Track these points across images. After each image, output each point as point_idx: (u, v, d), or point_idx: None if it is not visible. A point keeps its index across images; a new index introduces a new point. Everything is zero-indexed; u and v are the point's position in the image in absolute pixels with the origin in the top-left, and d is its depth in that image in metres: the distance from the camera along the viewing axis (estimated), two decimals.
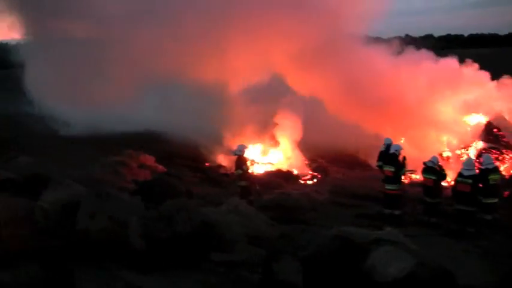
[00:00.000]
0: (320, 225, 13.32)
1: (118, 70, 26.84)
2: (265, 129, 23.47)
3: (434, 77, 22.68)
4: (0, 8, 32.01)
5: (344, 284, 7.14)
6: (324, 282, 7.34)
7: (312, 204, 16.66)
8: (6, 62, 38.80)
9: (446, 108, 22.53)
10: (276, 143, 23.23)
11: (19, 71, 33.07)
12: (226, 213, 10.82)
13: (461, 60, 23.88)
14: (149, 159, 21.77)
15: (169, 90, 29.05)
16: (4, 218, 8.94)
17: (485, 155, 16.13)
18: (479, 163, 16.06)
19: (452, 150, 21.80)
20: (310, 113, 22.88)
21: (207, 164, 23.91)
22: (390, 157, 15.64)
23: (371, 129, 21.97)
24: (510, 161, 21.31)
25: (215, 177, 21.78)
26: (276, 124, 22.80)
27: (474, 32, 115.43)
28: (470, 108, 22.76)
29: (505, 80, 23.39)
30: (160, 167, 21.60)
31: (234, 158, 17.33)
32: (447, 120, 22.38)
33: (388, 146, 16.43)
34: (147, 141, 25.66)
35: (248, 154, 18.52)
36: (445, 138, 22.27)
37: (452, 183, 15.25)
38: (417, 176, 19.12)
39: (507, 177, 19.22)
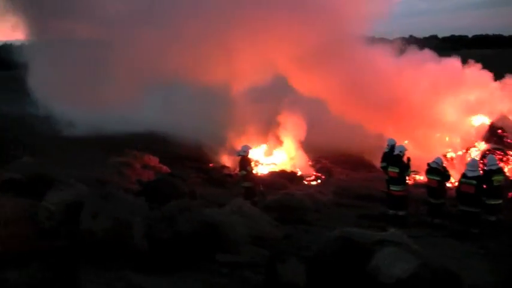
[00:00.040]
0: (324, 226, 13.29)
1: (122, 71, 26.86)
2: (269, 130, 23.48)
3: (438, 78, 22.62)
4: (4, 9, 32.13)
5: (348, 285, 7.13)
6: (327, 282, 7.34)
7: (315, 205, 16.65)
8: (10, 63, 38.84)
9: (450, 109, 22.46)
10: (279, 143, 23.22)
11: (23, 71, 33.13)
12: (230, 214, 10.82)
13: (466, 61, 23.83)
14: (153, 160, 21.84)
15: (173, 91, 29.13)
16: (8, 218, 8.96)
17: (489, 156, 16.09)
18: (483, 164, 16.03)
19: (456, 151, 21.76)
20: (314, 114, 22.88)
21: (210, 164, 23.95)
22: (395, 158, 15.60)
23: (375, 130, 21.92)
24: None
25: (219, 178, 21.75)
26: (279, 123, 22.80)
27: (478, 32, 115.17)
28: (474, 109, 22.72)
29: (509, 80, 23.35)
30: (164, 168, 21.66)
31: (238, 158, 17.28)
32: (451, 121, 22.32)
33: (392, 147, 16.38)
34: (151, 141, 25.76)
35: (252, 155, 18.51)
36: (448, 139, 22.22)
37: (456, 184, 15.21)
38: (421, 177, 19.10)
39: (511, 178, 19.15)
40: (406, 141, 19.21)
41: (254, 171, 18.81)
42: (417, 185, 19.39)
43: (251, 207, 12.07)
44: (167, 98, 30.06)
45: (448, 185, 16.27)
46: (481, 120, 22.96)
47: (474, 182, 13.82)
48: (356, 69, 22.08)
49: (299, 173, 22.24)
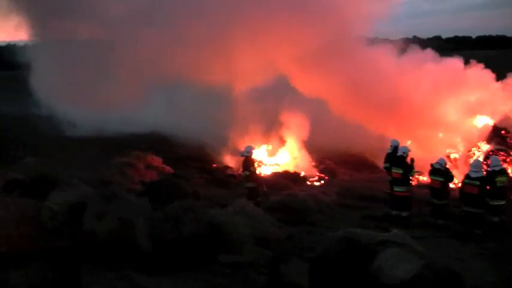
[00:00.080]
0: (327, 227, 13.24)
1: (124, 71, 26.87)
2: (272, 130, 23.47)
3: (440, 78, 22.58)
4: (8, 9, 32.18)
5: (350, 286, 7.11)
6: (330, 283, 7.32)
7: (319, 205, 16.64)
8: (13, 63, 38.94)
9: (453, 110, 22.42)
10: (282, 143, 23.20)
11: (26, 72, 33.20)
12: (233, 214, 10.80)
13: (469, 62, 23.77)
14: (156, 160, 21.85)
15: (176, 91, 29.15)
16: (12, 219, 8.97)
17: (492, 157, 16.03)
18: (487, 165, 15.99)
19: (459, 152, 21.72)
20: (317, 115, 22.85)
21: (214, 165, 23.94)
22: (398, 159, 15.57)
23: (376, 131, 21.91)
24: None
25: (222, 178, 21.72)
26: (282, 123, 22.78)
27: (482, 33, 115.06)
28: (477, 109, 22.68)
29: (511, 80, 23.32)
30: (167, 168, 21.66)
31: (241, 159, 17.30)
32: (454, 122, 22.28)
33: (395, 147, 16.34)
34: (154, 142, 25.80)
35: (255, 155, 18.50)
36: (452, 139, 22.18)
37: (460, 185, 15.20)
38: (424, 178, 19.08)
39: None
40: (409, 142, 19.20)
41: (257, 172, 18.80)
42: (420, 185, 19.33)
43: (254, 207, 12.05)
44: (170, 98, 30.10)
45: (452, 185, 16.25)
46: (484, 121, 22.91)
47: (477, 182, 13.81)
48: (358, 69, 22.04)
49: (302, 174, 22.21)
